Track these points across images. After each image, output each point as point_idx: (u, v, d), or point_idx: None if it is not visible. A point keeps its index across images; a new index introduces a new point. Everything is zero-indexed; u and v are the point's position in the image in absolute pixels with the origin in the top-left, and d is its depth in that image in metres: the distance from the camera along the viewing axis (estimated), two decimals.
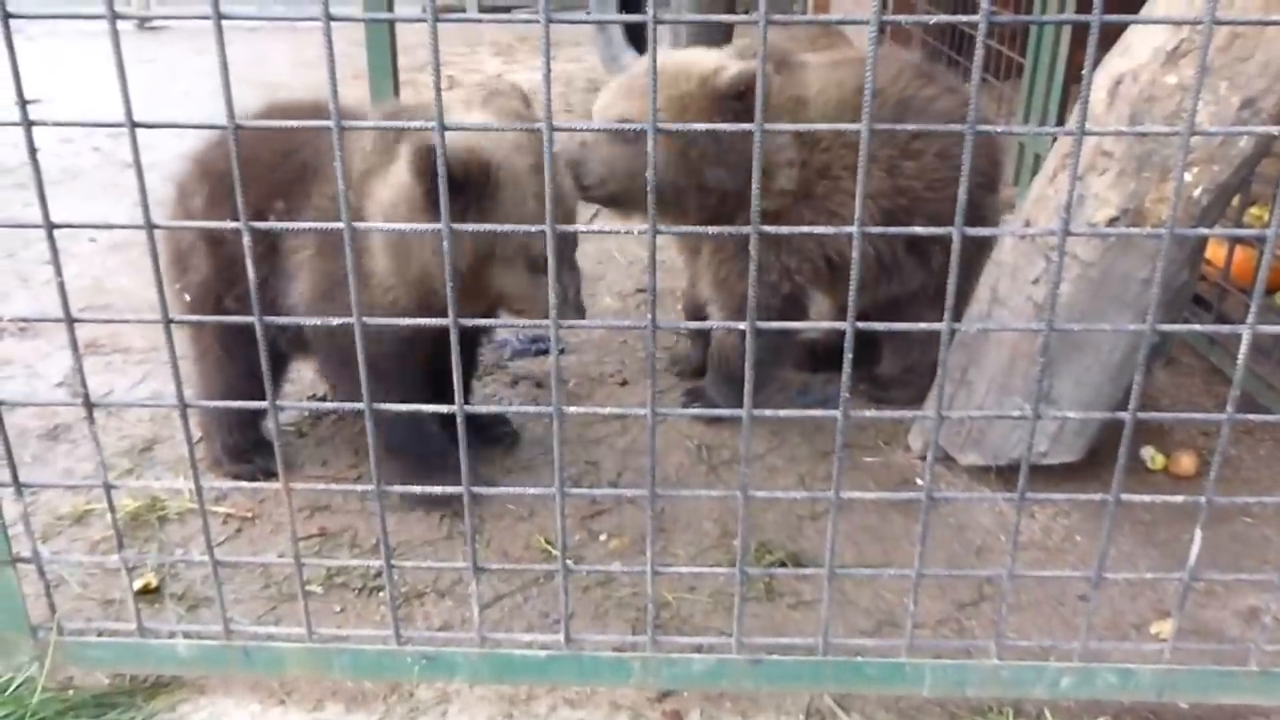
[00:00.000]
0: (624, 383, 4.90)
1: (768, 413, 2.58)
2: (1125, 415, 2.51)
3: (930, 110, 4.19)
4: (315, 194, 3.68)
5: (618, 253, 6.17)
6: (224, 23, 2.09)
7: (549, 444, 4.34)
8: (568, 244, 3.59)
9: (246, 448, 4.17)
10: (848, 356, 2.44)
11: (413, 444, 3.91)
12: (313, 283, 3.70)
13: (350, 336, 2.43)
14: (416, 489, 2.81)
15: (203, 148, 3.95)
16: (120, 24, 2.06)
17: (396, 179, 3.50)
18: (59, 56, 10.39)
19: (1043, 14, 6.58)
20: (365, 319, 2.45)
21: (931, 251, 4.37)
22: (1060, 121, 6.46)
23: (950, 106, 4.25)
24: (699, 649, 3.02)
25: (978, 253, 4.19)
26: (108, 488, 2.73)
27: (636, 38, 9.28)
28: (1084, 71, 2.22)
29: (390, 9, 7.79)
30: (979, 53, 2.14)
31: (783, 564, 3.66)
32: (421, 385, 3.72)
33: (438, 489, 2.82)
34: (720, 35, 7.49)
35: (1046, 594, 3.55)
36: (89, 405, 2.59)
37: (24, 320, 2.81)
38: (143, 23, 12.59)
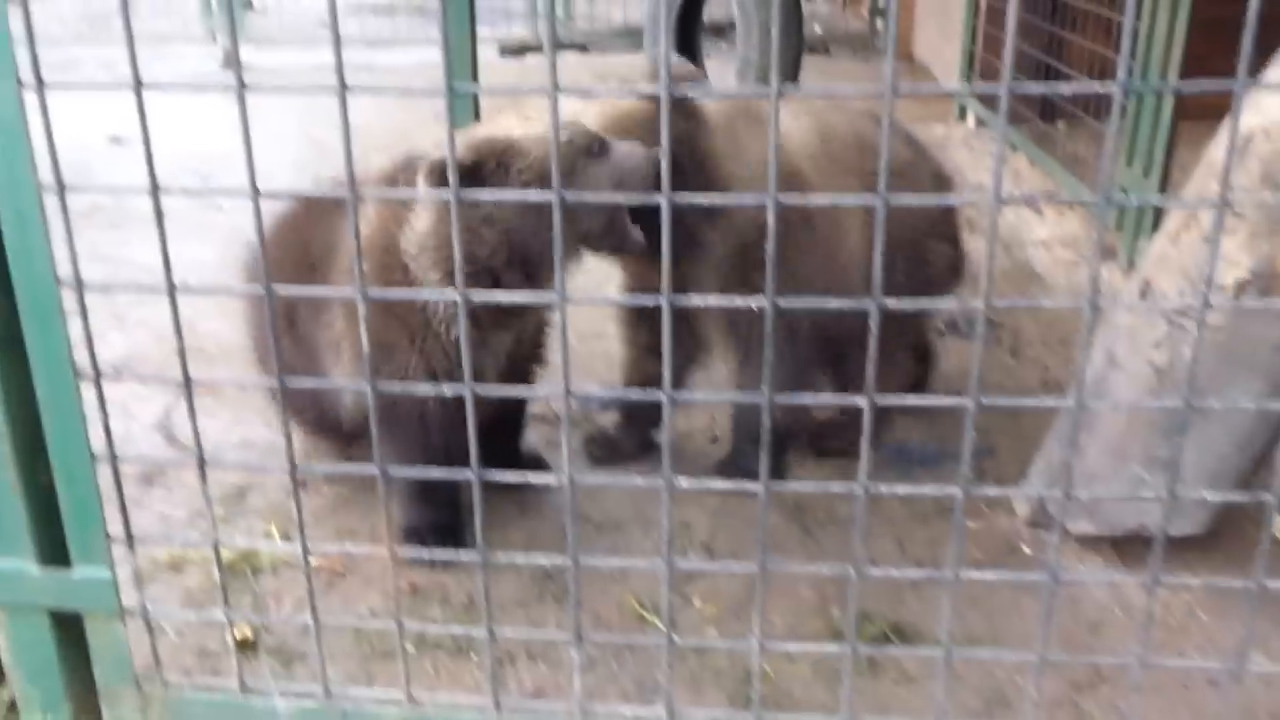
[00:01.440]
0: (714, 439, 4.82)
1: (884, 488, 2.51)
2: (1269, 497, 2.39)
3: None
4: (334, 269, 3.75)
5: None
6: (308, 62, 2.06)
7: (637, 500, 4.30)
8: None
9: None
10: (969, 432, 2.36)
11: (424, 498, 3.98)
12: (353, 348, 3.76)
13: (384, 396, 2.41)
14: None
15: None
16: (208, 63, 2.03)
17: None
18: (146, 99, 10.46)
19: (1150, 51, 6.32)
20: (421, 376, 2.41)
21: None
22: (1166, 168, 6.28)
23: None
24: None
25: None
26: (216, 545, 2.71)
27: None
28: (1225, 141, 2.12)
29: (474, 54, 7.81)
30: (1114, 115, 2.05)
31: (885, 635, 3.57)
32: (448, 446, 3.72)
33: (463, 555, 2.82)
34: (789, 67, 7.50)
35: (1171, 676, 3.41)
36: (202, 464, 2.56)
37: (141, 377, 2.79)
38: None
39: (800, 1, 7.99)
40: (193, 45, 13.69)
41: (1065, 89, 2.17)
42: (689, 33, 9.20)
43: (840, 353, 4.36)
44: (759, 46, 7.63)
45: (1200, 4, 5.96)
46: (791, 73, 7.62)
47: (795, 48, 7.88)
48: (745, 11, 7.51)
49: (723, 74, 11.43)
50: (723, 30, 13.10)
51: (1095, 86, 2.19)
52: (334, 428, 4.15)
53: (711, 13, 12.04)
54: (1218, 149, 3.53)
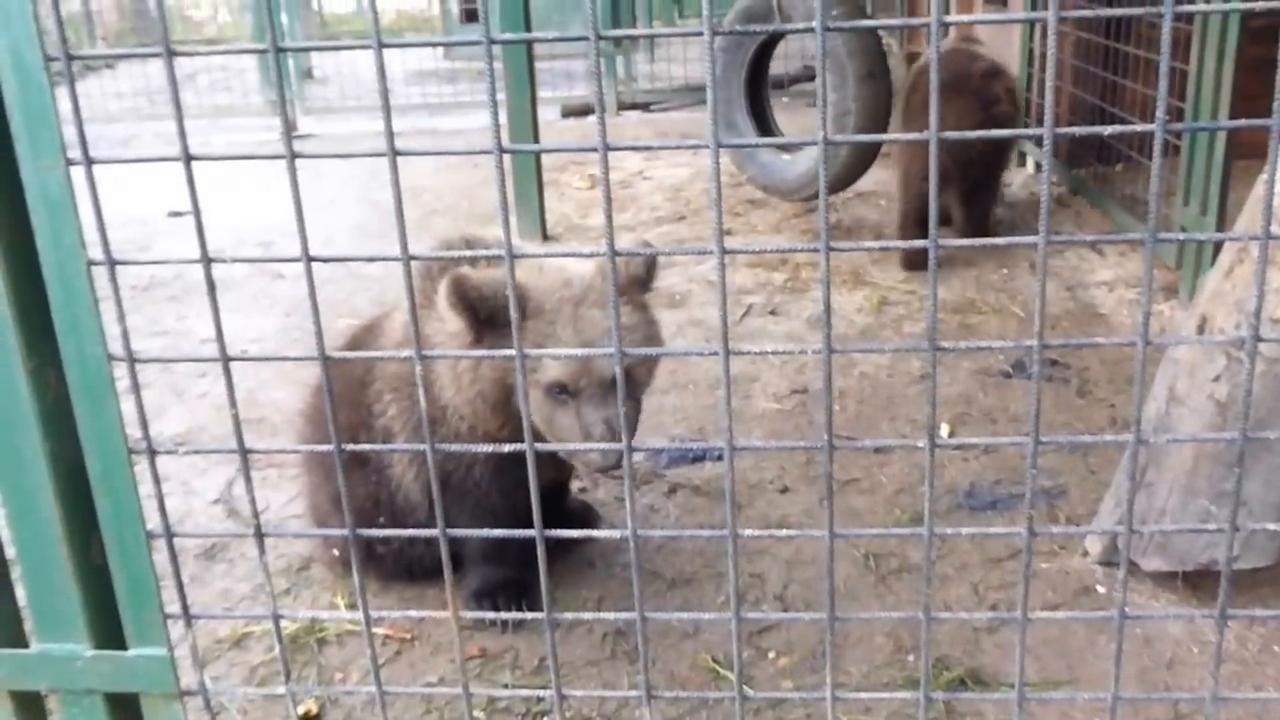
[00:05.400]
0: (784, 490, 4.79)
1: (949, 530, 2.47)
2: None
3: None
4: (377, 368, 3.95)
5: (772, 355, 6.03)
6: (367, 129, 2.05)
7: (709, 555, 4.27)
8: (633, 380, 3.64)
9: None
10: (1032, 468, 2.31)
11: (497, 558, 4.00)
12: (403, 429, 3.87)
13: (438, 466, 2.39)
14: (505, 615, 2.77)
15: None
16: (266, 134, 2.02)
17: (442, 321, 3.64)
18: (199, 167, 10.58)
19: (1199, 92, 6.34)
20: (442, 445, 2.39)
21: None
22: (1222, 206, 6.25)
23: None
24: None
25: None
26: (276, 618, 2.68)
27: (763, 129, 9.28)
28: (1264, 174, 2.08)
29: (535, 117, 7.89)
30: (1157, 152, 2.02)
31: (962, 681, 3.52)
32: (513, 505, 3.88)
33: (529, 615, 2.80)
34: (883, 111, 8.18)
35: (1247, 710, 3.36)
36: (260, 536, 2.55)
37: (198, 451, 2.77)
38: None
39: (885, 53, 8.21)
40: (252, 117, 14.00)
41: (1106, 130, 2.14)
42: (756, 89, 9.31)
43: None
44: (855, 95, 7.84)
45: (1246, 45, 6.00)
46: (885, 116, 8.18)
47: (887, 94, 8.23)
48: (839, 64, 7.77)
49: (796, 122, 12.07)
50: (782, 84, 13.60)
51: (1135, 126, 2.15)
52: (410, 562, 4.17)
53: (782, 66, 12.43)
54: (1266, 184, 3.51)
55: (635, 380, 3.58)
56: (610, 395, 3.46)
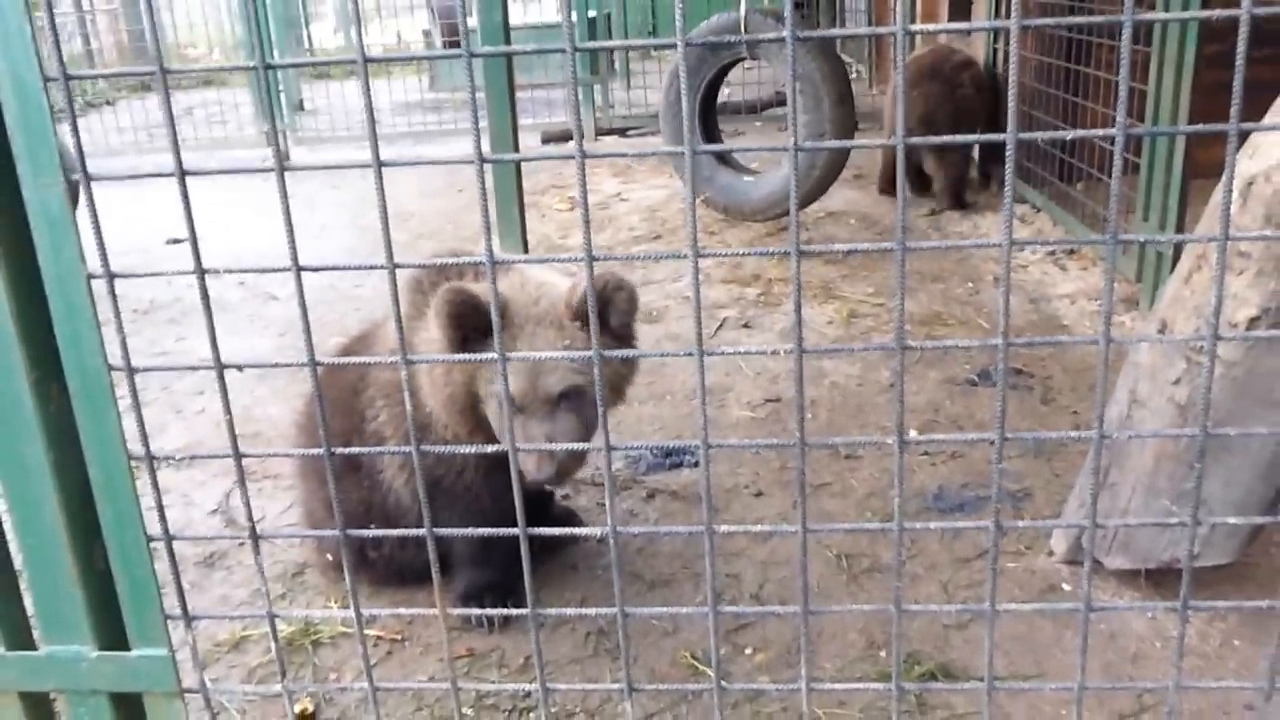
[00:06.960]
0: (759, 494, 4.91)
1: (918, 525, 2.57)
2: None
3: None
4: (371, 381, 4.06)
5: (744, 364, 6.20)
6: (355, 156, 2.15)
7: (687, 557, 4.38)
8: (586, 397, 3.60)
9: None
10: (997, 464, 2.42)
11: (484, 560, 4.13)
12: (394, 434, 3.98)
13: (426, 470, 2.49)
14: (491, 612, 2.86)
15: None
16: (262, 160, 2.13)
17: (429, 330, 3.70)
18: (197, 195, 10.71)
19: (1158, 113, 6.53)
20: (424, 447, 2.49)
21: None
22: (1181, 219, 6.43)
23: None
24: None
25: None
26: (272, 617, 2.77)
27: (717, 155, 9.57)
28: (1222, 180, 2.19)
29: (515, 140, 8.03)
30: (1118, 163, 2.13)
31: (933, 675, 3.62)
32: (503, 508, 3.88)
33: (514, 611, 2.88)
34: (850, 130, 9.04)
35: (1210, 702, 3.45)
36: (255, 538, 2.64)
37: (194, 457, 2.86)
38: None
39: (850, 81, 9.15)
40: (247, 149, 14.23)
41: (1069, 134, 2.25)
42: (707, 116, 9.71)
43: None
44: (830, 117, 8.74)
45: (1203, 69, 6.21)
46: (852, 135, 9.33)
47: (853, 115, 9.10)
48: (815, 89, 8.71)
49: (769, 144, 12.34)
50: (756, 109, 14.38)
51: (1095, 133, 2.26)
52: (403, 566, 4.29)
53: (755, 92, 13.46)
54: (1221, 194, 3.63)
55: (587, 398, 3.58)
56: (556, 413, 3.56)
